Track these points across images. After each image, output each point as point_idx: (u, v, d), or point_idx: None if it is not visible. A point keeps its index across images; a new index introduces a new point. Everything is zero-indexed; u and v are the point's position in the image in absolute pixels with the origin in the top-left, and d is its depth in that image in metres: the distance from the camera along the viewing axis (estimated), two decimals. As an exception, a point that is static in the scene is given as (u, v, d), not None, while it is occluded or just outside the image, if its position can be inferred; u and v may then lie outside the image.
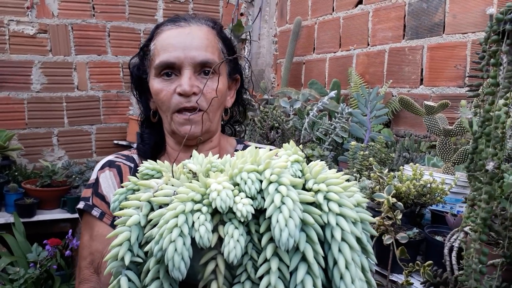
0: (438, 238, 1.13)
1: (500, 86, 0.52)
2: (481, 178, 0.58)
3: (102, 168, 0.91)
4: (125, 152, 0.96)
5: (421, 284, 1.02)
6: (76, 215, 2.60)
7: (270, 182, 0.42)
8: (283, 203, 0.40)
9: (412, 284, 1.02)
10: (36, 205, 2.33)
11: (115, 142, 2.79)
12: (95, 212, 0.86)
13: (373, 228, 1.11)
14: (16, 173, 2.43)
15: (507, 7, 0.52)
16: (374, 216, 1.08)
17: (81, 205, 0.88)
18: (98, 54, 2.71)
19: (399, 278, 1.09)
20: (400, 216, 1.08)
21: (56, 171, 2.44)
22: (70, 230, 2.21)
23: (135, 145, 0.99)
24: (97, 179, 0.90)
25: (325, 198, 0.43)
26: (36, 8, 2.52)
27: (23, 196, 2.33)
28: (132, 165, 0.92)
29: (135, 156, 0.94)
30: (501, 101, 0.56)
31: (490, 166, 0.55)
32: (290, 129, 1.91)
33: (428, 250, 1.15)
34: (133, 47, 2.78)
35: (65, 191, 2.44)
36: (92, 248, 0.84)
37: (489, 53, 0.55)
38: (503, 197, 0.73)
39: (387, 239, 1.08)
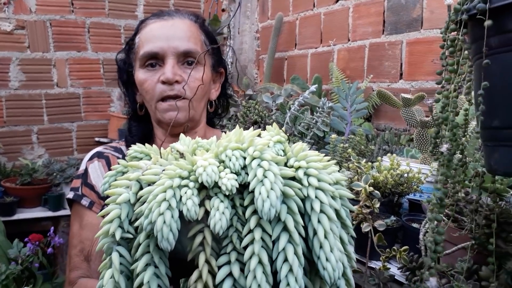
0: (415, 225, 1.16)
1: (458, 73, 0.54)
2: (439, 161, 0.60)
3: (91, 159, 0.93)
4: (113, 144, 0.98)
5: (398, 269, 1.05)
6: (59, 213, 2.55)
7: (253, 158, 0.45)
8: (265, 176, 0.43)
9: (389, 269, 1.05)
10: (16, 204, 2.30)
11: (96, 139, 2.77)
12: (85, 202, 0.88)
13: (352, 217, 1.14)
14: (-6, 172, 2.39)
15: (464, -2, 0.55)
16: (352, 205, 1.11)
17: (70, 195, 0.90)
18: (77, 51, 2.67)
19: (377, 265, 1.11)
20: (377, 205, 1.11)
21: (37, 169, 2.40)
22: (52, 228, 2.18)
23: (116, 141, 1.01)
24: (86, 170, 0.92)
25: (305, 174, 0.46)
26: (13, 3, 2.47)
27: (2, 194, 2.29)
28: (120, 156, 0.94)
29: (123, 148, 0.97)
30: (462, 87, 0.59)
31: (443, 148, 0.57)
32: (272, 123, 1.93)
33: (405, 237, 1.19)
34: (114, 43, 2.76)
35: (46, 189, 2.41)
36: (82, 236, 0.86)
37: (448, 42, 0.57)
38: (466, 181, 0.76)
39: (365, 227, 1.10)
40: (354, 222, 1.12)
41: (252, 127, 1.90)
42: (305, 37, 2.56)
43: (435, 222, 0.58)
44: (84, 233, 0.86)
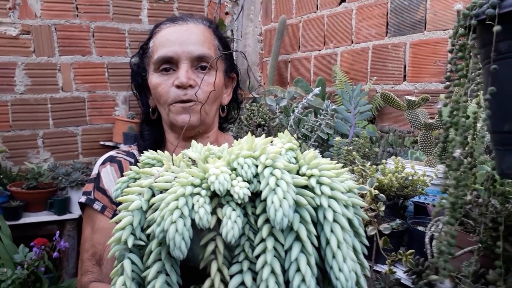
0: (420, 228, 1.16)
1: (468, 78, 0.55)
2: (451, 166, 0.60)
3: (103, 163, 0.94)
4: (126, 148, 0.99)
5: (404, 273, 1.05)
6: (64, 217, 2.56)
7: (266, 166, 0.45)
8: (277, 185, 0.43)
9: (395, 273, 1.05)
10: (22, 208, 2.31)
11: (101, 143, 2.78)
12: (97, 206, 0.89)
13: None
14: (1, 176, 2.40)
15: (473, 3, 0.55)
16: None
17: (82, 199, 0.90)
18: (82, 55, 2.69)
19: (383, 268, 1.11)
20: (383, 208, 1.11)
21: (42, 173, 2.41)
22: (58, 232, 2.19)
23: (122, 145, 1.01)
24: (98, 174, 0.92)
25: (318, 182, 0.46)
26: (19, 9, 2.49)
27: (8, 199, 2.30)
28: (132, 160, 0.95)
29: (136, 152, 0.97)
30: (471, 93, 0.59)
31: (457, 153, 0.58)
32: (276, 126, 1.94)
33: (411, 240, 1.18)
34: (118, 47, 2.77)
35: (51, 193, 2.42)
36: (94, 240, 0.87)
37: (457, 47, 0.57)
38: (476, 184, 0.76)
39: (370, 230, 1.11)
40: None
41: (256, 130, 1.91)
42: (309, 40, 2.56)
43: (448, 225, 0.58)
44: (96, 237, 0.87)
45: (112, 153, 0.96)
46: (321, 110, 1.91)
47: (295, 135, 0.52)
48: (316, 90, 1.94)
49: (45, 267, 2.06)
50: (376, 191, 1.09)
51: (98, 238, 0.86)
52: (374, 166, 1.24)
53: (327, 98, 2.22)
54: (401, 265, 1.07)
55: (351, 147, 1.57)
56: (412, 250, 1.04)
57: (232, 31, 2.70)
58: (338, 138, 1.66)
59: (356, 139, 1.62)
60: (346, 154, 1.54)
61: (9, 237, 2.16)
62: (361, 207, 0.51)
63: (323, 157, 1.85)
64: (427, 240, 1.03)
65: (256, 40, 3.05)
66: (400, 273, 1.06)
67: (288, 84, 2.72)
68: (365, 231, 1.11)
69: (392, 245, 1.09)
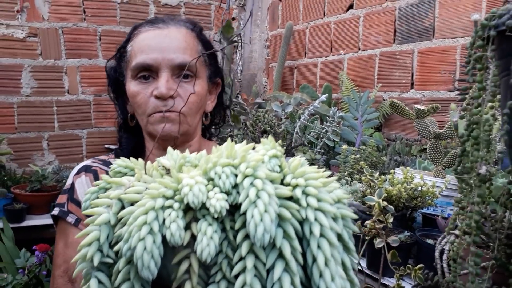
0: (429, 241, 1.13)
1: (488, 90, 0.53)
2: (469, 181, 0.58)
3: (78, 173, 0.88)
4: (103, 157, 0.93)
5: (412, 287, 1.02)
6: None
7: (246, 176, 0.41)
8: (258, 197, 0.39)
9: (403, 287, 1.02)
10: (26, 210, 2.30)
11: (106, 146, 2.77)
12: (70, 219, 0.83)
13: (364, 232, 1.11)
14: (5, 178, 2.40)
15: (492, 13, 0.53)
16: (365, 220, 1.09)
17: (55, 211, 0.85)
18: (89, 58, 2.69)
19: (391, 282, 1.09)
20: (391, 220, 1.08)
21: (46, 175, 2.41)
22: (60, 236, 2.18)
23: (106, 154, 0.97)
24: (72, 185, 0.87)
25: (303, 192, 0.42)
26: (26, 11, 2.50)
27: (12, 201, 2.29)
28: (109, 169, 0.90)
29: (113, 161, 0.92)
30: (489, 105, 0.57)
31: (483, 170, 0.55)
32: (282, 133, 1.92)
33: (420, 253, 1.16)
34: (125, 51, 2.77)
35: (55, 196, 2.41)
36: (67, 255, 0.81)
37: (475, 58, 0.55)
38: (491, 199, 0.74)
39: (378, 243, 1.08)
40: (367, 238, 1.10)
41: (262, 136, 1.89)
42: (315, 46, 2.54)
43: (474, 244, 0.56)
44: (69, 252, 0.81)
45: (87, 162, 0.91)
46: (327, 117, 1.89)
47: (279, 142, 0.48)
48: (323, 97, 1.92)
49: (47, 270, 2.05)
50: (385, 203, 1.07)
51: (71, 253, 0.81)
52: (383, 177, 1.22)
53: (334, 105, 2.20)
54: (410, 279, 1.05)
55: (358, 156, 1.55)
56: (421, 265, 1.01)
57: (240, 36, 2.69)
58: (345, 146, 1.63)
59: (364, 147, 1.60)
60: (353, 163, 1.52)
61: (12, 240, 2.16)
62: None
63: (329, 165, 1.82)
64: (437, 254, 1.01)
65: (263, 45, 3.03)
66: (408, 287, 1.04)
67: (294, 90, 2.70)
68: (373, 243, 1.08)
69: (400, 258, 1.07)
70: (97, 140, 2.77)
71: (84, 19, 2.64)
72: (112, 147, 2.74)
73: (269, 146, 0.46)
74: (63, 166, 2.59)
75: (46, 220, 2.35)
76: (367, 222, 1.08)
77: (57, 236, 0.86)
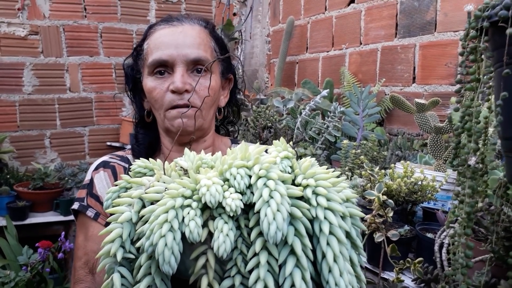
0: (429, 235, 1.13)
1: (481, 82, 0.52)
2: (464, 173, 0.58)
3: (96, 168, 0.91)
4: (120, 153, 0.96)
5: (412, 281, 1.02)
6: (70, 218, 2.56)
7: (259, 177, 0.43)
8: (271, 197, 0.41)
9: (403, 281, 1.02)
10: (29, 208, 2.31)
11: (108, 143, 2.78)
12: (90, 213, 0.87)
13: (365, 226, 1.11)
14: (8, 176, 2.41)
15: (485, 4, 0.52)
16: (365, 214, 1.08)
17: (75, 205, 0.88)
18: (90, 55, 2.69)
19: (391, 276, 1.09)
20: (391, 214, 1.08)
21: (49, 173, 2.42)
22: (63, 233, 2.19)
23: (128, 146, 0.99)
24: (91, 180, 0.90)
25: (314, 192, 0.44)
26: (27, 9, 2.50)
27: (15, 199, 2.31)
28: (126, 165, 0.92)
29: (130, 157, 0.95)
30: (485, 97, 0.57)
31: (472, 161, 0.55)
32: (283, 128, 1.91)
33: (419, 247, 1.16)
34: (126, 48, 2.77)
35: (57, 194, 2.43)
36: (87, 248, 0.85)
37: (469, 50, 0.54)
38: (488, 192, 0.73)
39: (378, 237, 1.08)
40: (366, 232, 1.10)
41: (263, 132, 1.89)
42: (317, 41, 2.53)
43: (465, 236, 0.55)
44: (89, 245, 0.85)
45: (105, 158, 0.94)
46: (328, 112, 1.88)
47: (290, 143, 0.50)
48: (324, 92, 1.91)
49: (50, 267, 2.06)
50: (385, 197, 1.07)
51: (91, 246, 0.84)
52: (383, 171, 1.21)
53: (335, 100, 2.19)
54: (409, 272, 1.04)
55: (359, 151, 1.54)
56: (420, 259, 1.01)
57: (240, 32, 2.68)
58: (345, 141, 1.63)
59: (364, 142, 1.59)
60: (354, 157, 1.51)
61: (15, 237, 2.17)
62: (362, 207, 0.48)
63: (330, 160, 1.82)
64: (436, 248, 1.00)
65: (264, 41, 3.03)
66: (408, 281, 1.04)
67: (295, 86, 2.70)
68: (372, 237, 1.08)
69: (400, 252, 1.06)
70: (99, 138, 2.78)
71: (85, 16, 2.64)
72: (114, 144, 2.75)
73: (281, 148, 0.49)
74: (66, 164, 2.61)
75: (49, 217, 2.37)
76: (367, 216, 1.08)
77: (78, 229, 0.90)
